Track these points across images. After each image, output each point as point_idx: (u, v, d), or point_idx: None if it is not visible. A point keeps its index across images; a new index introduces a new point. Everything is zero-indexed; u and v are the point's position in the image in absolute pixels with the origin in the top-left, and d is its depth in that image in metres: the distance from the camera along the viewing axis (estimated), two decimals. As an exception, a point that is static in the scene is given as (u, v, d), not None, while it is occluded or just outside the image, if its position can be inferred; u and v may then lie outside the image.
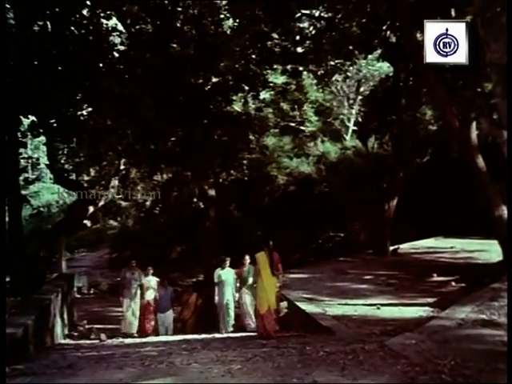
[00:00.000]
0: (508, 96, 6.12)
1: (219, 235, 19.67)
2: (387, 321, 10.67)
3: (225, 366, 7.37)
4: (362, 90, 30.07)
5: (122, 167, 22.43)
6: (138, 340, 13.54)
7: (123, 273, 15.67)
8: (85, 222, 19.85)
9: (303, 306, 12.35)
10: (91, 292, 27.52)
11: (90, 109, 17.86)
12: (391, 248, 20.52)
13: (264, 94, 23.69)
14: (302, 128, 29.37)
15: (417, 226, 21.79)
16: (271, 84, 21.58)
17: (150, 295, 15.27)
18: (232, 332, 14.09)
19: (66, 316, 14.43)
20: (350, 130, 30.51)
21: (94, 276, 32.07)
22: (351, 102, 31.16)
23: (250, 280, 13.44)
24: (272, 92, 24.32)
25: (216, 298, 14.45)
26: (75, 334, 14.65)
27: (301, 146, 29.89)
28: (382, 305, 12.24)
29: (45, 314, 11.79)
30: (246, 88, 20.10)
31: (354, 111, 30.49)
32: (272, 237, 12.52)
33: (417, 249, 20.89)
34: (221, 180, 25.24)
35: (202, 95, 18.78)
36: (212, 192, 19.75)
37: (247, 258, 13.85)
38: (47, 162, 20.83)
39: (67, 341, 13.56)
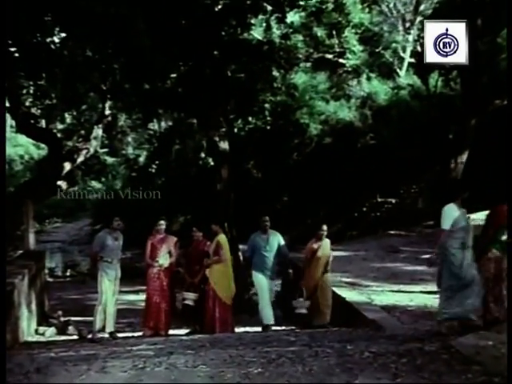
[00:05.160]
0: (508, 96, 6.26)
1: (233, 201, 19.61)
2: (454, 314, 10.60)
3: (241, 369, 7.40)
4: (421, 8, 29.64)
5: (107, 112, 22.44)
6: (129, 335, 13.58)
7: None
8: (59, 183, 19.95)
9: (343, 292, 12.39)
10: (67, 274, 27.81)
11: (63, 34, 17.73)
12: (458, 218, 20.39)
13: (292, 17, 23.41)
14: (341, 61, 29.04)
15: (493, 190, 21.55)
16: (301, 3, 21.24)
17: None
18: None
19: (34, 306, 14.47)
20: (406, 64, 30.20)
21: (70, 254, 32.50)
22: (407, 25, 30.70)
23: None
24: (302, 14, 24.02)
25: None
26: (46, 328, 14.70)
27: (340, 85, 29.73)
28: (447, 293, 12.16)
29: (6, 303, 11.85)
30: (269, 8, 19.81)
31: (410, 38, 30.07)
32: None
33: (493, 220, 20.71)
34: (236, 130, 25.21)
35: (211, 18, 18.55)
36: (224, 145, 19.64)
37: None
38: (7, 105, 20.84)
39: (36, 338, 13.65)
